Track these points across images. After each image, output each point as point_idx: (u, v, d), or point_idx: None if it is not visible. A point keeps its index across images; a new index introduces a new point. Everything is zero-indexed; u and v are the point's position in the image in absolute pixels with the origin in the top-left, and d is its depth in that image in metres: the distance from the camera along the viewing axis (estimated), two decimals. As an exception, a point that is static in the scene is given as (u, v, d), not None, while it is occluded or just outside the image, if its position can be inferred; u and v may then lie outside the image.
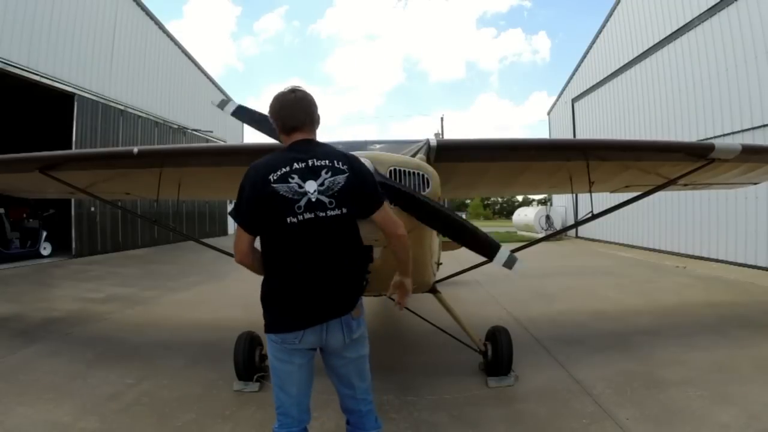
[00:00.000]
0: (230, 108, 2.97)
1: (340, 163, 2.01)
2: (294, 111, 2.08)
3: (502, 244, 3.01)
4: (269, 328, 2.03)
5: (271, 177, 1.93)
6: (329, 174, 1.97)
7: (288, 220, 1.92)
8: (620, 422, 3.13)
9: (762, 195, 9.98)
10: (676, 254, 13.03)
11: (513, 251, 4.87)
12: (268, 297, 2.04)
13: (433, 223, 2.87)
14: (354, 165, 2.06)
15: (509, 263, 2.82)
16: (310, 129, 2.11)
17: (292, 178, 1.94)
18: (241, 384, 3.75)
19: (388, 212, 2.14)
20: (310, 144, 2.08)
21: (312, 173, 1.96)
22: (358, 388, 2.15)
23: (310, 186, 1.95)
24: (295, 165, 1.96)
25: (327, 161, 2.00)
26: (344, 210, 1.98)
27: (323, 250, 1.98)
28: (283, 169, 1.95)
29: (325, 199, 1.95)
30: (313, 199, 1.94)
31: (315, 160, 1.99)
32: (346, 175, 2.00)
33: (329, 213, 1.96)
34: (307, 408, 2.13)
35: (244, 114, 3.02)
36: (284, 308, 2.00)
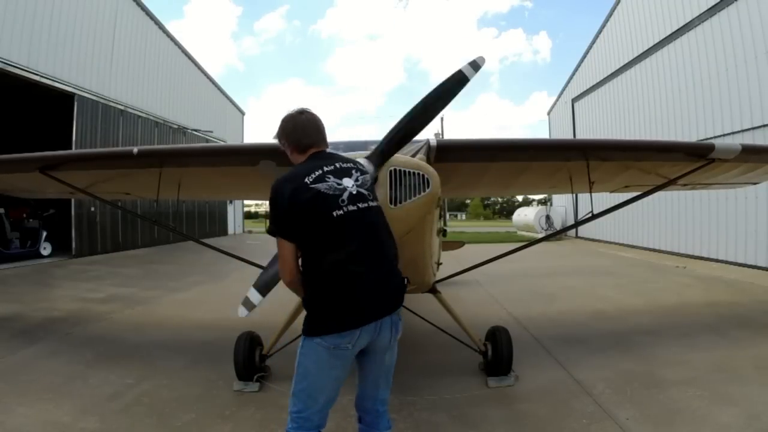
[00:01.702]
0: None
1: (362, 166, 2.19)
2: (308, 130, 2.18)
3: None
4: (320, 330, 1.94)
5: (307, 180, 1.97)
6: (359, 173, 2.10)
7: (334, 213, 1.94)
8: (620, 422, 3.13)
9: (762, 195, 9.99)
10: (676, 254, 13.03)
11: (513, 251, 4.91)
12: (317, 299, 1.98)
13: None
14: (370, 170, 2.25)
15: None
16: (324, 144, 2.21)
17: (329, 178, 2.00)
18: (241, 384, 3.75)
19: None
20: (328, 153, 2.18)
21: (344, 173, 2.05)
22: (382, 391, 2.17)
23: (348, 182, 2.02)
24: (325, 168, 2.03)
25: (351, 164, 2.13)
26: (378, 203, 2.11)
27: (374, 240, 2.01)
28: (317, 172, 2.00)
29: (365, 192, 2.05)
30: (354, 192, 2.00)
31: (341, 163, 2.10)
32: (369, 174, 2.19)
33: (371, 204, 2.05)
34: (327, 413, 2.11)
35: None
36: (341, 306, 1.93)
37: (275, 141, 2.29)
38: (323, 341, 1.93)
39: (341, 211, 1.94)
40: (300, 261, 2.04)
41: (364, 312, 1.94)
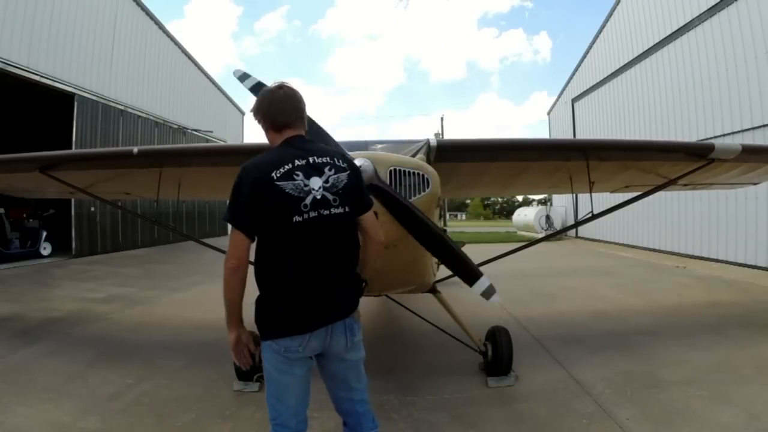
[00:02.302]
0: (249, 83, 2.91)
1: (340, 161, 2.00)
2: (285, 107, 2.02)
3: (482, 274, 2.98)
4: (270, 334, 1.92)
5: (274, 175, 1.85)
6: (332, 171, 1.95)
7: (294, 219, 1.84)
8: (620, 422, 3.13)
9: (762, 195, 9.98)
10: (676, 254, 13.03)
11: (513, 251, 4.91)
12: (267, 301, 1.93)
13: (419, 236, 2.82)
14: (351, 163, 2.06)
15: (487, 294, 2.82)
16: (301, 125, 2.06)
17: (297, 176, 1.87)
18: (241, 384, 3.75)
19: (373, 216, 2.12)
20: (305, 141, 2.04)
21: (315, 170, 1.92)
22: (356, 390, 2.12)
23: (315, 183, 1.90)
24: (297, 162, 1.90)
25: (327, 158, 1.97)
26: (347, 208, 1.96)
27: (328, 249, 1.93)
28: (286, 167, 1.88)
29: (330, 197, 1.91)
30: (318, 197, 1.89)
31: (315, 158, 1.95)
32: (347, 173, 1.99)
33: (333, 211, 1.91)
34: (305, 417, 2.06)
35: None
36: (287, 311, 1.90)
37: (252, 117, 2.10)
38: (274, 344, 1.91)
39: (301, 218, 1.85)
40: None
41: (312, 318, 1.91)
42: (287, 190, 1.84)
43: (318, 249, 1.91)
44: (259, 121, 2.06)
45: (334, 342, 1.97)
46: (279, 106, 2.01)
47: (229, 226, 1.94)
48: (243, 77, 2.89)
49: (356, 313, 2.07)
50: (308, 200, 1.86)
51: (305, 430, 2.07)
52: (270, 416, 1.99)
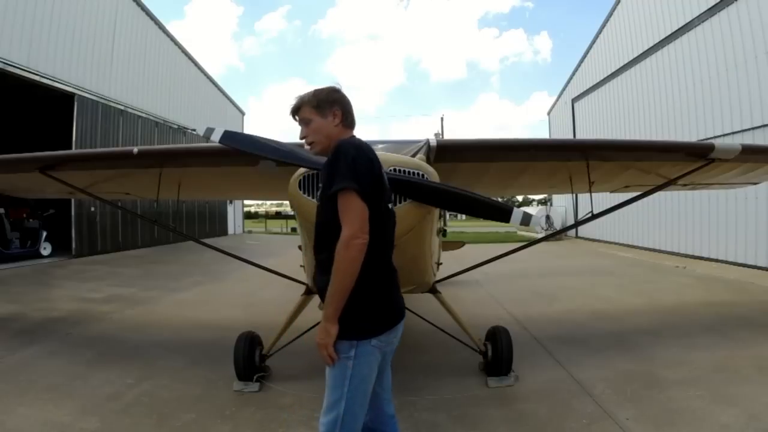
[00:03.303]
0: (217, 135, 2.87)
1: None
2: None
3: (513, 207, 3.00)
4: (378, 328, 1.80)
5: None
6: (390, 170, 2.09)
7: (390, 205, 1.94)
8: (620, 422, 3.13)
9: (762, 195, 9.98)
10: (675, 254, 13.03)
11: (513, 251, 4.91)
12: (371, 291, 1.79)
13: (448, 204, 2.89)
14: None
15: (525, 220, 2.83)
16: None
17: (382, 167, 1.91)
18: (241, 384, 3.75)
19: None
20: None
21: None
22: (388, 388, 2.07)
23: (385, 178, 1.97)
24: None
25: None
26: (390, 206, 2.04)
27: (392, 241, 2.00)
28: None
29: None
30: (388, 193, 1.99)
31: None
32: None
33: (391, 206, 2.02)
34: None
35: (232, 139, 2.89)
36: (389, 300, 1.87)
37: (308, 100, 1.99)
38: (379, 341, 1.79)
39: (389, 206, 1.94)
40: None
41: (402, 305, 1.94)
42: (384, 174, 1.89)
43: (392, 239, 1.97)
44: (333, 112, 1.97)
45: (399, 337, 1.97)
46: (352, 108, 2.04)
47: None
48: (208, 132, 2.80)
49: None
50: (388, 191, 1.94)
51: None
52: (343, 420, 1.76)
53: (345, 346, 1.76)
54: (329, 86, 2.04)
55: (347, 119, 2.00)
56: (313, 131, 1.98)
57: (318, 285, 1.89)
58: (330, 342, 1.73)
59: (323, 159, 2.35)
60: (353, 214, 1.69)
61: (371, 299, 1.79)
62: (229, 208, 24.83)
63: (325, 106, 1.97)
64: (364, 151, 1.79)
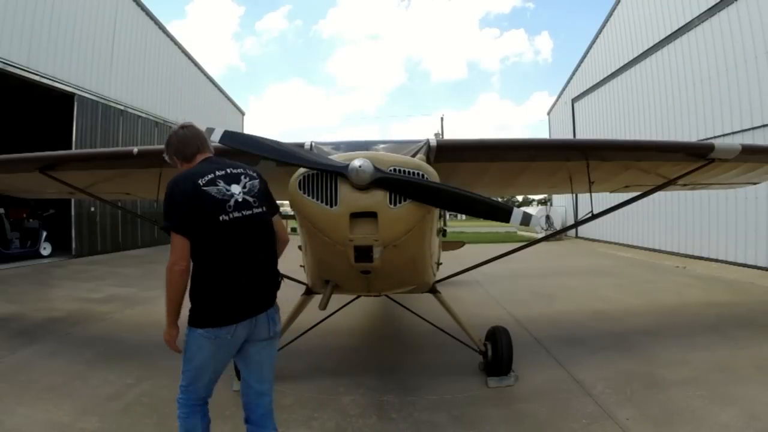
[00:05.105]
0: (217, 135, 2.91)
1: (251, 171, 2.35)
2: (190, 141, 2.36)
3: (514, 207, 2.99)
4: (203, 323, 2.14)
5: (200, 182, 2.15)
6: (247, 179, 2.29)
7: (220, 218, 2.13)
8: (620, 422, 3.13)
9: (762, 195, 9.98)
10: (675, 254, 13.03)
11: (513, 251, 4.91)
12: (201, 294, 2.14)
13: (448, 204, 2.90)
14: (259, 174, 2.39)
15: (525, 220, 2.83)
16: (208, 151, 2.40)
17: (219, 182, 2.18)
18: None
19: (280, 218, 2.47)
20: (218, 158, 2.37)
21: (233, 178, 2.25)
22: (266, 382, 2.36)
23: (235, 188, 2.22)
24: (217, 172, 2.22)
25: (241, 170, 2.31)
26: (264, 208, 2.30)
27: (253, 245, 2.22)
28: (209, 176, 2.19)
29: (250, 199, 2.25)
30: (240, 199, 2.21)
31: (231, 169, 2.28)
32: (258, 180, 2.35)
33: (254, 210, 2.25)
34: (213, 388, 2.34)
35: (232, 139, 2.93)
36: (219, 304, 2.14)
37: (167, 157, 2.44)
38: (206, 333, 2.13)
39: (227, 217, 2.14)
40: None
41: (241, 310, 2.17)
42: (212, 194, 2.15)
43: (243, 246, 2.19)
44: (172, 160, 2.40)
45: (257, 330, 2.24)
46: (185, 142, 2.36)
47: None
48: (208, 132, 2.87)
49: (276, 306, 2.36)
50: (231, 202, 2.18)
51: (211, 395, 2.38)
52: (182, 383, 2.27)
53: (187, 330, 2.19)
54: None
55: (181, 155, 2.36)
56: None
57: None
58: (170, 339, 2.22)
59: (323, 159, 2.65)
60: (173, 246, 2.11)
61: (203, 299, 2.14)
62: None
63: (169, 156, 2.41)
64: (178, 186, 2.16)
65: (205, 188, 2.14)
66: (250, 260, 2.21)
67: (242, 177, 2.28)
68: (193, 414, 2.31)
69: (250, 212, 2.22)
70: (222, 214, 2.14)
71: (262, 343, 2.29)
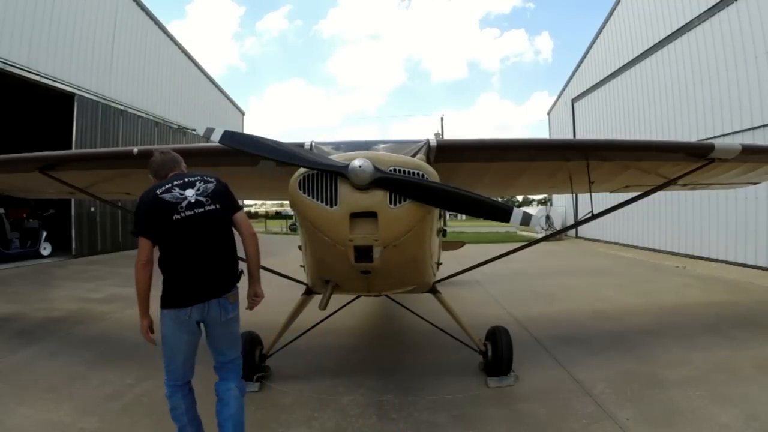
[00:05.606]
0: (217, 135, 2.97)
1: (208, 177, 2.70)
2: (165, 164, 2.82)
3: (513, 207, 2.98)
4: (167, 305, 2.55)
5: (158, 191, 2.57)
6: (202, 183, 2.65)
7: (173, 217, 2.51)
8: (620, 422, 3.13)
9: (762, 195, 9.98)
10: (675, 254, 13.03)
11: (513, 251, 4.92)
12: (165, 283, 2.57)
13: (448, 204, 2.93)
14: (217, 179, 2.72)
15: (525, 220, 2.83)
16: (179, 169, 2.82)
17: (174, 190, 2.59)
18: (240, 384, 3.76)
19: (244, 215, 2.79)
20: (185, 173, 2.79)
21: (189, 185, 2.62)
22: (227, 354, 2.76)
23: (189, 192, 2.59)
24: (175, 182, 2.63)
25: (198, 177, 2.68)
26: (218, 206, 2.61)
27: (204, 239, 2.56)
28: (167, 185, 2.61)
29: (202, 199, 2.59)
30: (192, 200, 2.57)
31: (188, 177, 2.67)
32: (214, 183, 2.68)
33: (207, 208, 2.58)
34: (191, 369, 2.72)
35: (232, 139, 2.97)
36: (177, 290, 2.54)
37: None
38: (169, 313, 2.55)
39: (179, 216, 2.52)
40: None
41: (193, 296, 2.54)
42: (167, 199, 2.55)
43: (195, 240, 2.54)
44: (153, 178, 2.82)
45: (210, 314, 2.59)
46: (161, 165, 2.83)
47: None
48: (208, 133, 3.12)
49: (232, 296, 2.66)
50: (184, 204, 2.55)
51: (192, 376, 2.76)
52: (164, 364, 2.65)
53: (159, 314, 2.61)
54: None
55: (156, 175, 2.81)
56: None
57: None
58: (142, 328, 2.66)
59: (323, 159, 2.78)
60: (139, 246, 2.57)
61: (166, 285, 2.57)
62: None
63: (151, 175, 2.84)
64: (142, 199, 2.61)
65: (161, 195, 2.55)
66: (202, 252, 2.55)
67: (198, 182, 2.64)
68: (174, 393, 2.67)
69: (202, 210, 2.56)
70: (175, 213, 2.51)
71: (215, 326, 2.64)
